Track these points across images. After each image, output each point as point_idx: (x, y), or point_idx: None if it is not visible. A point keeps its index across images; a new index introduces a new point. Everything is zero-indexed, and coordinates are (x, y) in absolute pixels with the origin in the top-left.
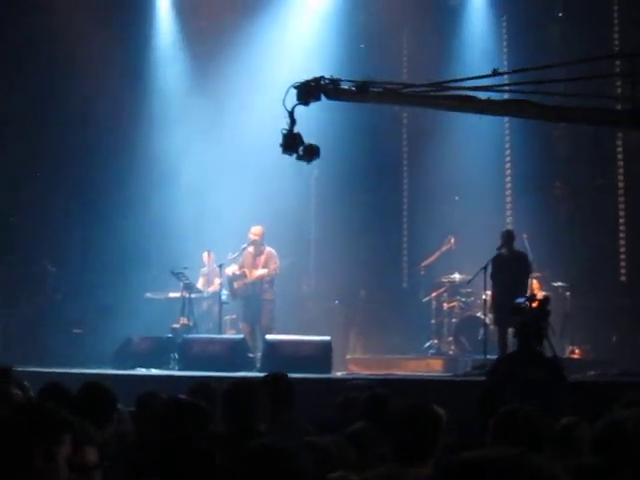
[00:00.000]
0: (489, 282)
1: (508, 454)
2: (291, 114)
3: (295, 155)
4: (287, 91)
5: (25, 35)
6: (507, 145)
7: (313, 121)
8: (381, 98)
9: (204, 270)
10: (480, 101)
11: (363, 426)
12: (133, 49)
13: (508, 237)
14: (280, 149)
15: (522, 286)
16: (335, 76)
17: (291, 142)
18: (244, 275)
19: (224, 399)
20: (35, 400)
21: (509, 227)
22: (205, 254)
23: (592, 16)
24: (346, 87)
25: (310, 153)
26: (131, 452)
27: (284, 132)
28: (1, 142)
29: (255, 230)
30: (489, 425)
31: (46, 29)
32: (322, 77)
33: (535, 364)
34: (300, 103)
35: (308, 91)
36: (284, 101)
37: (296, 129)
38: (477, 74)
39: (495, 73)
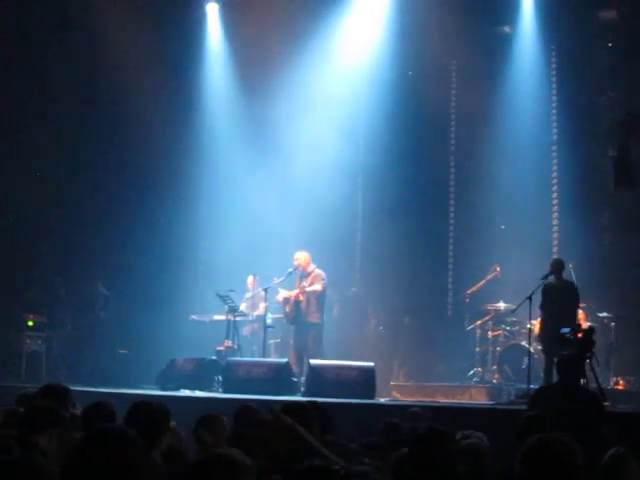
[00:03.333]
0: (534, 311)
1: None
2: (622, 148)
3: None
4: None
5: (76, 56)
6: (554, 174)
7: (360, 151)
8: None
9: (248, 295)
10: None
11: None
12: (182, 70)
13: (558, 266)
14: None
15: (571, 316)
16: None
17: (625, 173)
18: (295, 295)
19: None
20: (81, 419)
21: (555, 256)
22: (250, 278)
23: None
24: None
25: (631, 183)
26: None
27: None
28: (51, 159)
29: (297, 256)
30: (520, 453)
31: (91, 45)
32: None
33: (574, 396)
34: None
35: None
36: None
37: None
38: (525, 102)
39: None
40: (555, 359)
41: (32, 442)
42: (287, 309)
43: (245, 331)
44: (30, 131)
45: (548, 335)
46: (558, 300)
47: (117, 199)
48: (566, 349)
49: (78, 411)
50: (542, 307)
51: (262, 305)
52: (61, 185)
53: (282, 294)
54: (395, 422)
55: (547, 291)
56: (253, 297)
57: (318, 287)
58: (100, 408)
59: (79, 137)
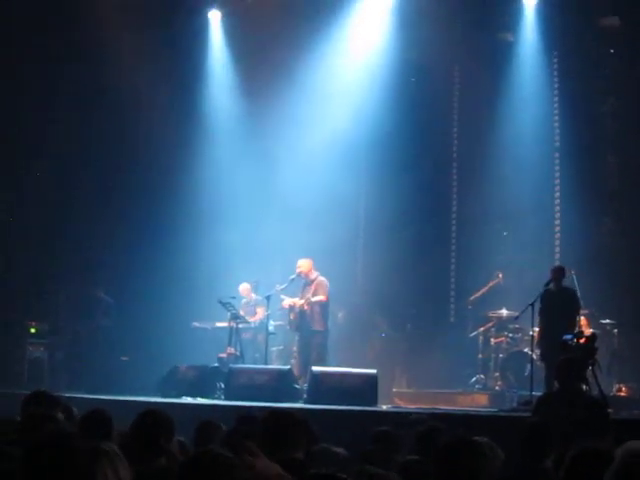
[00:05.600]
0: (537, 318)
1: None
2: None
3: None
4: None
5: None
6: (557, 180)
7: (363, 158)
8: None
9: (244, 301)
10: None
11: (414, 459)
12: (184, 82)
13: (558, 273)
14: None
15: (570, 323)
16: None
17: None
18: (300, 305)
19: (262, 427)
20: (78, 426)
21: (557, 263)
22: (244, 285)
23: None
24: None
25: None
26: None
27: None
28: (56, 166)
29: (300, 263)
30: (565, 463)
31: (96, 60)
32: None
33: (577, 404)
34: None
35: None
36: None
37: None
38: (528, 109)
39: None
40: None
41: None
42: (291, 317)
43: (244, 336)
44: (36, 151)
45: (545, 342)
46: (556, 307)
47: (120, 208)
48: (567, 356)
49: (65, 415)
50: (540, 314)
51: (260, 311)
52: (64, 194)
53: (287, 301)
54: (386, 430)
55: (545, 298)
56: (249, 304)
57: (322, 297)
58: (97, 415)
59: (85, 151)
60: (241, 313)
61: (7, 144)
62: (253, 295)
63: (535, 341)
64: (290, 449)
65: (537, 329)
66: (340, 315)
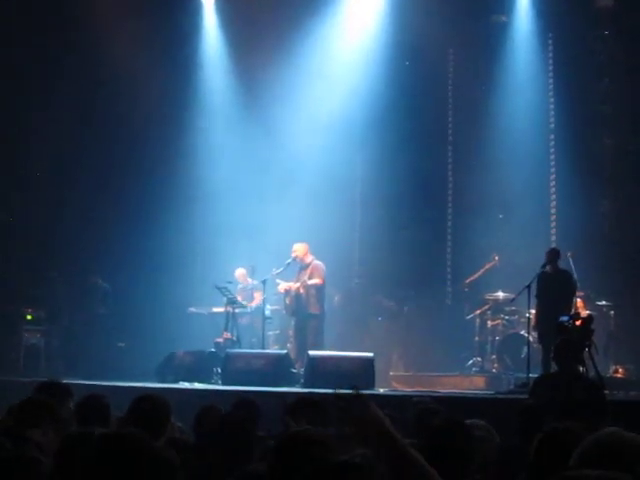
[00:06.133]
0: (533, 300)
1: None
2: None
3: None
4: None
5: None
6: (552, 162)
7: (358, 141)
8: None
9: (240, 287)
10: None
11: (412, 443)
12: (180, 67)
13: (553, 255)
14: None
15: (566, 305)
16: None
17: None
18: (296, 288)
19: (290, 413)
20: (74, 412)
21: (554, 245)
22: (240, 270)
23: (638, 34)
24: None
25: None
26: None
27: None
28: (56, 157)
29: (295, 247)
30: (533, 443)
31: (86, 40)
32: None
33: (575, 385)
34: None
35: None
36: None
37: None
38: (522, 91)
39: None
40: (552, 347)
41: (26, 436)
42: (287, 301)
43: (240, 321)
44: (35, 131)
45: (542, 324)
46: (552, 289)
47: (116, 194)
48: (565, 337)
49: (71, 404)
50: (537, 296)
51: (257, 296)
52: (62, 181)
53: (283, 285)
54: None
55: (541, 280)
56: (246, 289)
57: (318, 280)
58: (94, 401)
59: (83, 137)
60: (238, 298)
61: (7, 144)
62: (249, 280)
63: (531, 323)
64: None
65: (533, 311)
66: (336, 299)
